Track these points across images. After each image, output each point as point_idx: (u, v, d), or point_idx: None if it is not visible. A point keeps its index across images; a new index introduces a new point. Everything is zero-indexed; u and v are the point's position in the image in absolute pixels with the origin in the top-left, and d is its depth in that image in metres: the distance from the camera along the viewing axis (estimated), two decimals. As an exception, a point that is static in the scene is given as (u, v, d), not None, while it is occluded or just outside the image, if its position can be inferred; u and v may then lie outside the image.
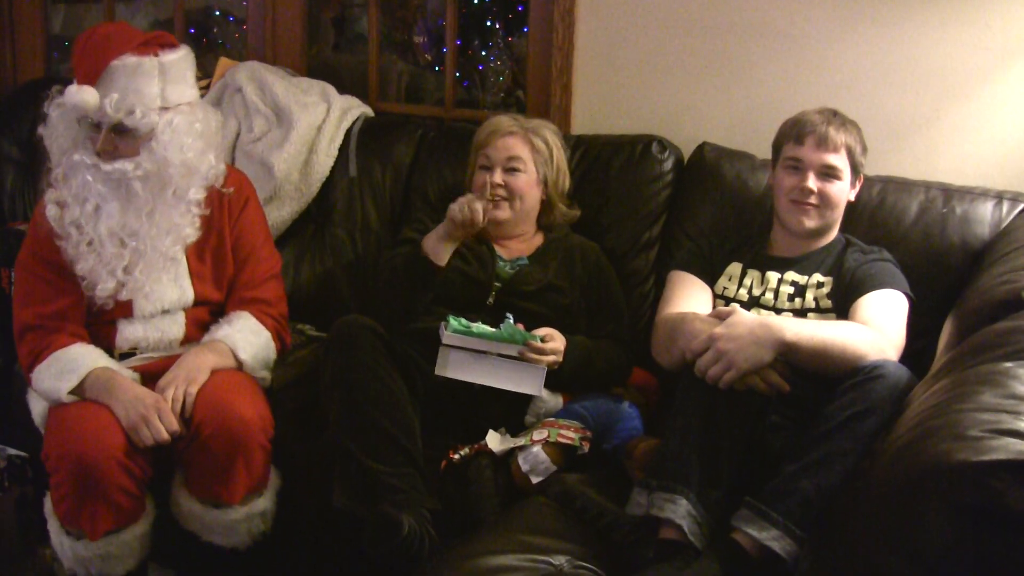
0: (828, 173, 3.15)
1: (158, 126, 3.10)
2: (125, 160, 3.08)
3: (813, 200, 3.16)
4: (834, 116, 3.19)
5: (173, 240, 3.18)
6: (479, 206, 3.32)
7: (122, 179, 3.08)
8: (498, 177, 3.46)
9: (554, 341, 3.17)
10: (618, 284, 3.51)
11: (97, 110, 3.02)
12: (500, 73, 5.33)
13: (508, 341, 3.12)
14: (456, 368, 3.12)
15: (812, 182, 3.15)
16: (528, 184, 3.48)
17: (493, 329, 3.12)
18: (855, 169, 3.19)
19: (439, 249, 3.36)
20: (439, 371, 3.11)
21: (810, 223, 3.19)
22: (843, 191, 3.18)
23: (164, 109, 3.12)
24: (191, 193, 3.20)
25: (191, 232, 3.21)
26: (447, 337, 3.10)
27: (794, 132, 3.20)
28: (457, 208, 3.33)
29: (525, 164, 3.48)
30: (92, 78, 3.02)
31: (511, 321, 3.14)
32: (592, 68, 3.93)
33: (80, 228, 3.10)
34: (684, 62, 3.79)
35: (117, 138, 3.07)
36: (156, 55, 3.11)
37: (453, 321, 3.10)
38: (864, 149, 3.21)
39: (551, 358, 3.15)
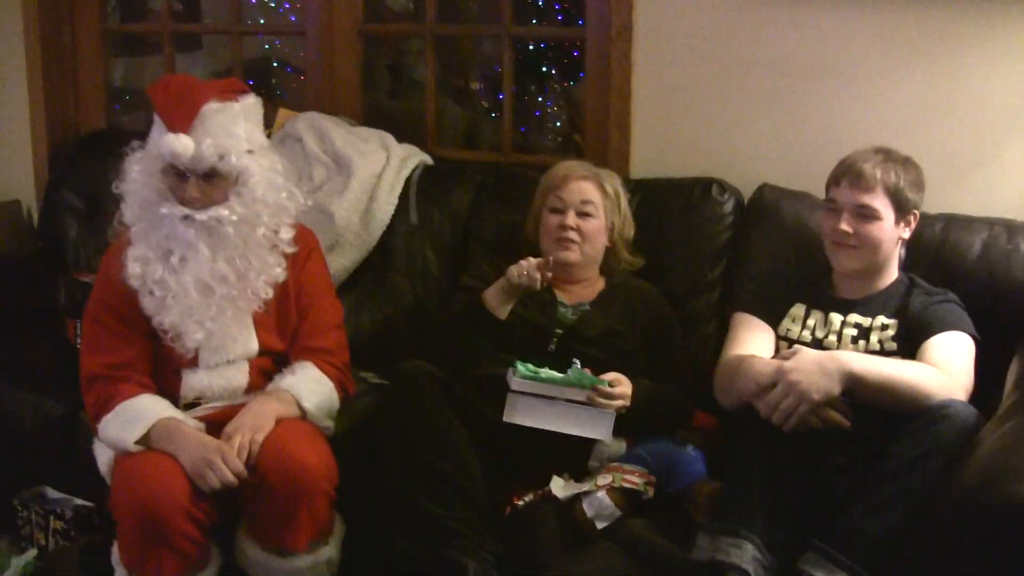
0: (864, 214, 3.10)
1: (248, 169, 3.12)
2: (218, 206, 3.09)
3: (852, 241, 3.12)
4: (876, 154, 3.14)
5: (265, 280, 3.20)
6: (538, 275, 3.28)
7: (216, 226, 3.09)
8: (572, 220, 3.45)
9: (622, 385, 3.15)
10: (679, 327, 3.50)
11: (192, 157, 3.03)
12: (556, 118, 5.35)
13: (576, 386, 3.09)
14: (525, 414, 3.09)
15: (846, 224, 3.11)
16: (598, 229, 3.48)
17: (561, 374, 3.10)
18: (901, 207, 3.12)
19: (499, 303, 3.35)
20: (508, 418, 3.09)
21: (850, 264, 3.16)
22: (884, 231, 3.12)
23: (250, 152, 3.15)
24: (281, 232, 3.23)
25: (280, 272, 3.23)
26: (516, 383, 3.08)
27: (835, 173, 3.18)
28: (516, 273, 3.30)
29: (597, 209, 3.48)
30: (185, 125, 3.03)
31: (578, 366, 3.12)
32: (649, 111, 3.93)
33: (163, 284, 3.11)
34: (741, 103, 3.79)
35: (205, 185, 3.09)
36: (236, 99, 3.15)
37: (521, 367, 3.09)
38: (916, 186, 3.14)
39: (620, 403, 3.12)
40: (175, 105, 3.07)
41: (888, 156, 3.14)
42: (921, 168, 3.19)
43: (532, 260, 3.30)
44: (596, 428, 3.12)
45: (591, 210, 3.47)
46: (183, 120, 3.04)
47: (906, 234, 3.19)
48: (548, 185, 3.57)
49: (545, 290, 3.39)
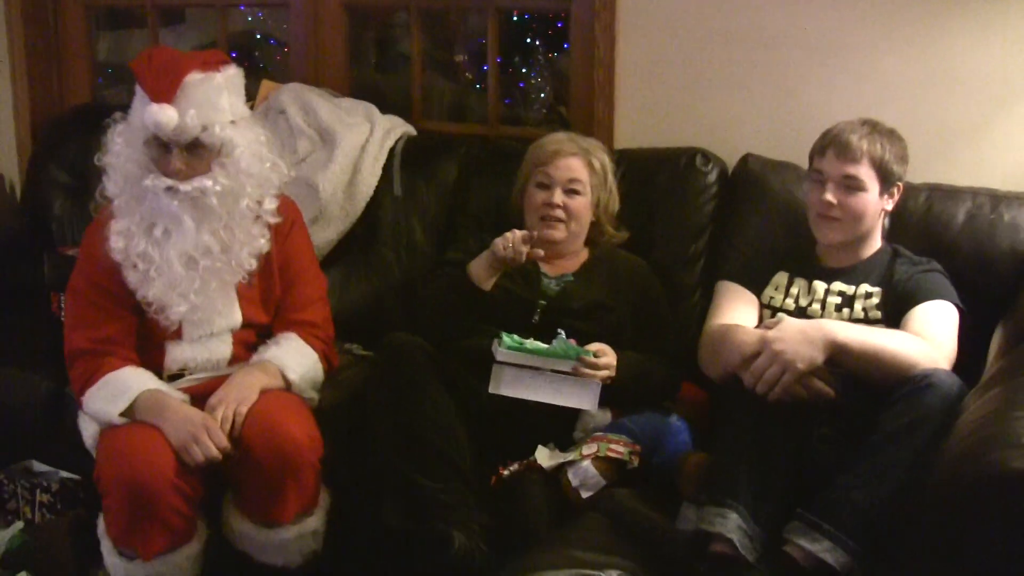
0: (849, 184, 3.09)
1: (232, 140, 3.10)
2: (202, 177, 3.07)
3: (835, 213, 3.11)
4: (862, 125, 3.13)
5: (249, 252, 3.19)
6: (524, 248, 3.25)
7: (200, 197, 3.07)
8: (558, 198, 3.43)
9: (607, 356, 3.15)
10: (667, 300, 3.49)
11: (175, 128, 3.01)
12: (541, 89, 5.33)
13: (561, 357, 3.10)
14: (510, 385, 3.10)
15: (831, 194, 3.10)
16: (585, 207, 3.47)
17: (546, 345, 3.11)
18: (886, 179, 3.12)
19: (484, 276, 3.32)
20: (493, 389, 3.10)
21: (834, 237, 3.16)
22: (868, 202, 3.11)
23: (233, 123, 3.13)
24: (265, 203, 3.22)
25: (264, 243, 3.22)
26: (501, 354, 3.08)
27: (821, 143, 3.17)
28: (501, 246, 3.27)
29: (584, 186, 3.46)
30: (168, 96, 3.01)
31: (563, 336, 3.13)
32: (634, 82, 3.92)
33: (146, 257, 3.10)
34: (726, 74, 3.78)
35: (189, 156, 3.07)
36: (219, 70, 3.12)
37: (506, 338, 3.09)
38: (900, 158, 3.14)
39: (604, 373, 3.13)
40: (158, 76, 3.04)
41: (874, 128, 3.13)
42: (905, 141, 3.19)
43: (518, 233, 3.27)
44: (581, 398, 3.13)
45: (579, 188, 3.45)
46: (166, 91, 3.02)
47: (889, 206, 3.19)
48: (536, 159, 3.53)
49: (528, 261, 3.37)
